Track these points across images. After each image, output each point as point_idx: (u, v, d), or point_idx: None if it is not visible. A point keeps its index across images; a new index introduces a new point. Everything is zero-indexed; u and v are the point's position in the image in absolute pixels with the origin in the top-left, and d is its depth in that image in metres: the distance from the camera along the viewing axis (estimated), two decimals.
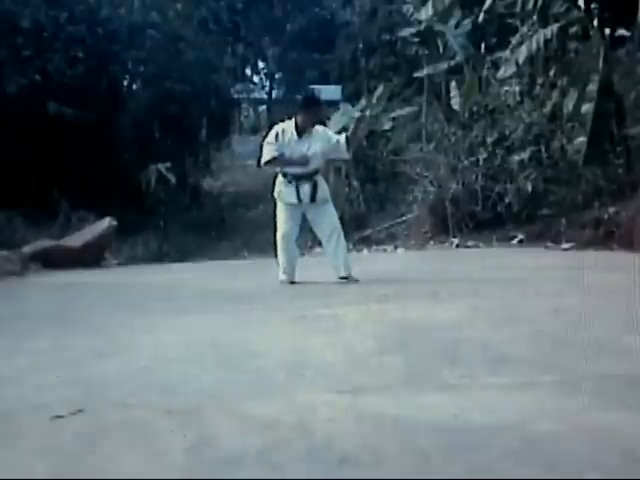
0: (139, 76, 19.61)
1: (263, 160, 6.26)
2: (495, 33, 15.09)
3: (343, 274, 6.13)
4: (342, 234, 6.25)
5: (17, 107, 14.92)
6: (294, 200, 6.16)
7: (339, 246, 6.18)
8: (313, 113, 6.26)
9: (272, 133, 6.27)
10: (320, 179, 6.27)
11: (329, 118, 18.82)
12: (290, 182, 6.17)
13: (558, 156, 10.93)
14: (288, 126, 6.21)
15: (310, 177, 6.15)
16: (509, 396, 2.66)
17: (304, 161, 6.08)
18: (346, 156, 6.64)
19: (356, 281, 6.09)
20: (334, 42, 28.12)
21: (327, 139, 6.23)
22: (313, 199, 6.15)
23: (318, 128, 6.30)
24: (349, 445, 2.17)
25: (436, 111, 15.28)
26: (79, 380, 3.15)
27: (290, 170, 6.18)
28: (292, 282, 6.29)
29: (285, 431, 2.33)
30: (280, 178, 6.29)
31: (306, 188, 6.13)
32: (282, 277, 6.32)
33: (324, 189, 6.25)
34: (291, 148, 6.13)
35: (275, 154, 6.13)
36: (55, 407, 2.65)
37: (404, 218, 13.32)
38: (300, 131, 6.14)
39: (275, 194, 6.35)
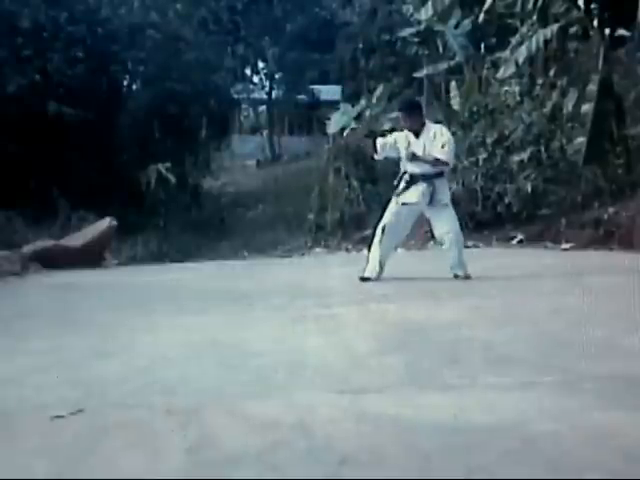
0: (139, 76, 19.62)
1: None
2: (495, 33, 15.08)
3: (456, 272, 6.12)
4: (459, 236, 6.25)
5: (17, 107, 14.92)
6: (411, 200, 6.14)
7: (452, 246, 6.17)
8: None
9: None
10: (441, 182, 6.20)
11: (329, 118, 18.84)
12: (410, 182, 6.16)
13: (558, 156, 10.92)
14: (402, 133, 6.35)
15: (430, 179, 6.12)
16: (509, 396, 2.66)
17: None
18: (445, 160, 6.26)
19: (467, 278, 6.07)
20: (334, 42, 28.11)
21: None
22: (431, 202, 6.13)
23: (432, 126, 6.34)
24: (349, 445, 2.17)
25: (436, 111, 15.26)
26: (79, 380, 3.15)
27: (411, 170, 6.18)
28: (366, 280, 6.15)
29: (285, 431, 2.33)
30: (405, 177, 6.27)
31: (424, 189, 6.11)
32: (368, 274, 6.17)
33: (444, 192, 6.21)
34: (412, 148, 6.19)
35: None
36: (55, 407, 2.65)
37: None
38: (415, 133, 6.20)
39: (395, 192, 6.30)
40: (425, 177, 6.12)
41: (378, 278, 6.15)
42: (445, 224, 6.20)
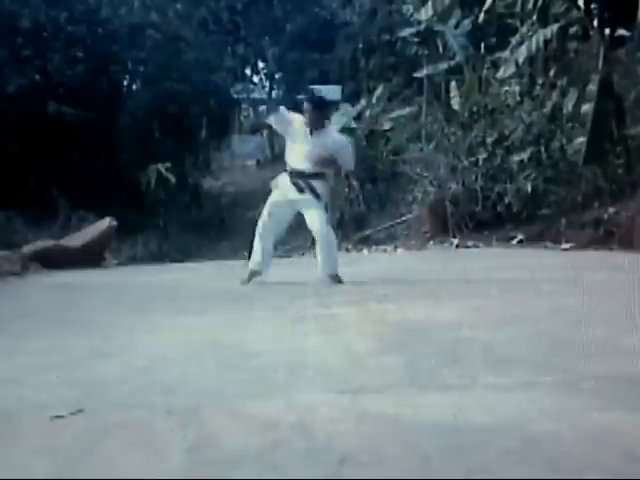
0: (139, 76, 19.61)
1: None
2: (495, 33, 15.10)
3: (323, 273, 6.16)
4: (327, 237, 6.14)
5: (17, 107, 14.93)
6: (280, 198, 6.15)
7: (320, 247, 6.16)
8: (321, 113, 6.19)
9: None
10: (318, 184, 6.09)
11: (329, 118, 18.84)
12: (290, 177, 6.13)
13: (558, 156, 10.94)
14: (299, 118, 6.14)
15: (307, 177, 6.06)
16: (509, 396, 2.66)
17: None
18: (350, 166, 6.51)
19: (337, 281, 6.08)
20: (334, 42, 28.07)
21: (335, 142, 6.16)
22: (304, 200, 6.06)
23: (330, 129, 6.25)
24: (349, 445, 2.17)
25: (436, 111, 15.28)
26: (79, 380, 3.14)
27: (292, 164, 6.13)
28: (255, 275, 6.26)
29: (285, 431, 2.33)
30: (283, 173, 6.27)
31: (298, 188, 6.06)
32: (251, 266, 6.33)
33: (320, 194, 6.08)
34: (301, 140, 6.07)
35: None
36: (55, 407, 2.65)
37: (404, 218, 13.33)
38: (311, 129, 6.06)
39: (273, 183, 6.33)
40: (304, 175, 6.06)
41: (261, 272, 6.26)
42: (313, 223, 6.13)
